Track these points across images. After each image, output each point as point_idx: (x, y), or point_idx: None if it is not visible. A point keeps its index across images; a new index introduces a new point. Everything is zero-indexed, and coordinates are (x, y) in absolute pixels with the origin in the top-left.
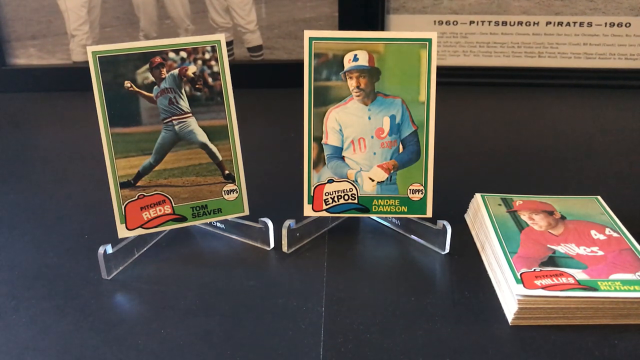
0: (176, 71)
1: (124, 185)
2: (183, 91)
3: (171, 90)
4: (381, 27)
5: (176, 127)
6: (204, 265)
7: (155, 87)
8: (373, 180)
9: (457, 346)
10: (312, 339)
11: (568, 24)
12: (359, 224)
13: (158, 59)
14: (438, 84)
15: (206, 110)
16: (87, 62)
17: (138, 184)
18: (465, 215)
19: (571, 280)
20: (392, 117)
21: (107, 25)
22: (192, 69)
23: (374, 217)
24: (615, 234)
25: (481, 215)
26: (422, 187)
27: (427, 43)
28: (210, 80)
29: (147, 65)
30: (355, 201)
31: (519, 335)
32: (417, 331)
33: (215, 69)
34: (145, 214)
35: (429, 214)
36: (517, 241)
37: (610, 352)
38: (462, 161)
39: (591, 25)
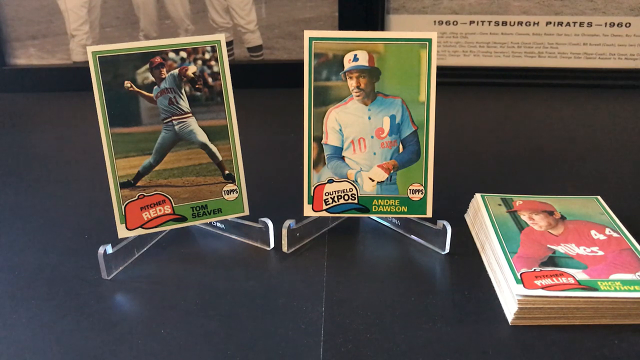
0: (176, 71)
1: (124, 185)
2: (183, 91)
3: (171, 90)
4: (381, 27)
5: (176, 127)
6: (204, 265)
7: (155, 87)
8: (373, 180)
9: (457, 346)
10: (312, 339)
11: (568, 24)
12: (359, 224)
13: (158, 59)
14: (438, 84)
15: (206, 110)
16: (87, 62)
17: (138, 184)
18: (465, 215)
19: (571, 280)
20: (392, 117)
21: (107, 25)
22: (192, 69)
23: (374, 217)
24: (615, 234)
25: (481, 215)
26: (422, 187)
27: (427, 43)
28: (210, 80)
29: (147, 65)
30: (355, 201)
31: (519, 335)
32: (417, 331)
33: (215, 69)
34: (145, 214)
35: (429, 214)
36: (517, 241)
37: (610, 352)
38: (462, 161)
39: (591, 25)
